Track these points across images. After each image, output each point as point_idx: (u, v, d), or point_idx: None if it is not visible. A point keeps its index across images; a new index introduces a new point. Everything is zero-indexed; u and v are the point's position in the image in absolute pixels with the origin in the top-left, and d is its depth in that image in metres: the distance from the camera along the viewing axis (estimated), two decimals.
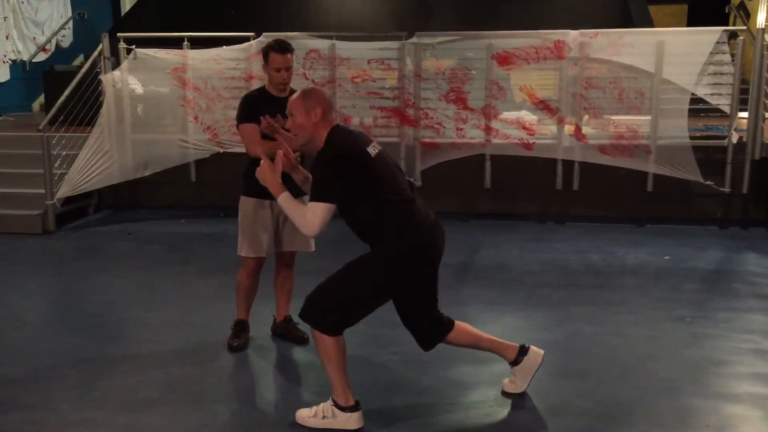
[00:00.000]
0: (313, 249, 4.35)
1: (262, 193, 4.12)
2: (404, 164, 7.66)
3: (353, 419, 3.27)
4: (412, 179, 7.56)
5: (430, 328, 3.50)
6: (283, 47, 4.05)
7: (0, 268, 6.10)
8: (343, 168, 3.14)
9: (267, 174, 3.28)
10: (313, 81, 7.67)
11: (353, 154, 3.17)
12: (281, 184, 3.27)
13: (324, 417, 3.29)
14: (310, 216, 3.15)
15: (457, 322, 3.53)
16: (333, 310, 3.21)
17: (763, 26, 7.48)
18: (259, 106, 3.98)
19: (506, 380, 3.67)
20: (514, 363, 3.58)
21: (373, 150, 3.24)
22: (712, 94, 7.24)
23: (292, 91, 4.19)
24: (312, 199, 3.16)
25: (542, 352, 3.59)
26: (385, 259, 3.20)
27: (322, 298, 3.24)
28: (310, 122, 3.24)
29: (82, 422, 3.40)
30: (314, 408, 3.33)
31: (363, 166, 3.16)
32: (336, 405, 3.28)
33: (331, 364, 3.23)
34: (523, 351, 3.58)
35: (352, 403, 3.28)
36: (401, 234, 3.18)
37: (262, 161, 3.32)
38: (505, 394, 3.63)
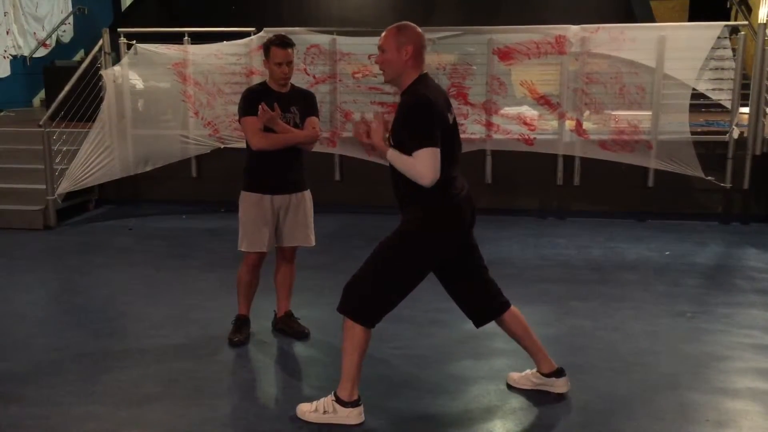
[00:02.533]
0: (314, 244, 4.36)
1: (262, 188, 4.15)
2: None
3: (354, 414, 3.27)
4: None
5: (486, 301, 3.46)
6: (284, 42, 4.05)
7: (1, 264, 6.10)
8: (430, 114, 3.05)
9: (375, 134, 3.19)
10: (314, 76, 7.66)
11: (436, 108, 3.09)
12: (386, 140, 3.18)
13: (325, 412, 3.28)
14: (420, 167, 3.03)
15: (513, 308, 3.51)
16: (370, 299, 3.18)
17: (765, 21, 7.48)
18: (260, 101, 3.98)
19: (516, 375, 3.66)
20: (544, 374, 3.56)
21: (450, 117, 3.20)
22: (713, 90, 7.23)
23: (293, 87, 4.21)
24: (416, 148, 3.03)
25: (568, 388, 3.54)
26: (413, 229, 3.16)
27: (358, 288, 3.20)
28: (400, 60, 3.14)
29: (83, 416, 3.40)
30: (315, 403, 3.33)
31: (443, 123, 3.10)
32: (338, 400, 3.27)
33: (353, 355, 3.21)
34: (558, 373, 3.55)
35: (355, 398, 3.28)
36: (435, 197, 3.12)
37: (373, 124, 3.21)
38: (509, 387, 3.64)
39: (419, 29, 3.21)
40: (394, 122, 3.17)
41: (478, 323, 3.53)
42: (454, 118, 3.26)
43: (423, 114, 3.06)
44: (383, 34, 3.20)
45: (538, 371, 3.58)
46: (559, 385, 3.54)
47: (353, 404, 3.27)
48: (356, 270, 3.24)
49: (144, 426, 3.34)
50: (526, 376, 3.63)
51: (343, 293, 3.25)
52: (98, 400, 3.56)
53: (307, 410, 3.33)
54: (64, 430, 3.31)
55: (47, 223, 7.29)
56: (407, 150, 3.07)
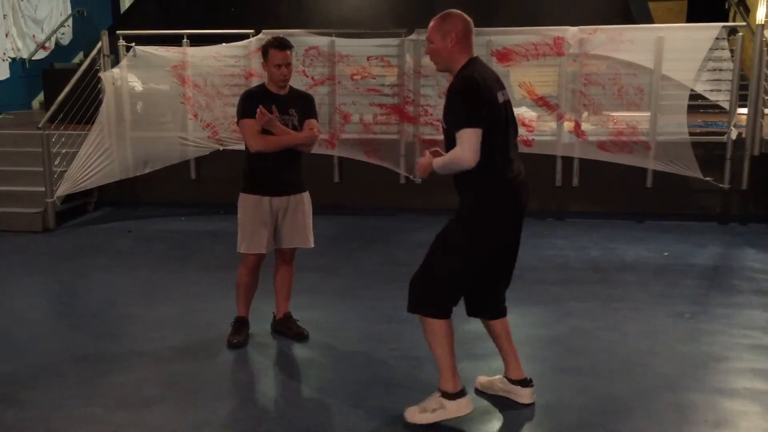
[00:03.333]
0: (313, 245, 4.36)
1: (261, 190, 4.15)
2: (404, 161, 7.67)
3: (463, 404, 3.25)
4: (412, 176, 7.67)
5: (492, 301, 3.48)
6: (282, 44, 4.06)
7: (0, 266, 6.10)
8: (478, 96, 3.06)
9: (425, 166, 3.25)
10: (312, 78, 7.67)
11: (486, 89, 3.10)
12: (433, 158, 3.23)
13: (434, 410, 3.25)
14: (459, 149, 3.04)
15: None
16: (438, 294, 3.18)
17: (763, 22, 7.47)
18: (259, 103, 3.99)
19: (484, 378, 3.65)
20: (510, 381, 3.55)
21: (501, 96, 3.19)
22: (711, 90, 7.24)
23: (292, 89, 4.22)
24: (458, 128, 3.05)
25: (532, 400, 3.50)
26: (469, 217, 3.17)
27: (423, 286, 3.20)
28: (446, 47, 3.19)
29: (83, 419, 3.41)
30: (421, 404, 3.28)
31: (491, 106, 3.10)
32: (444, 394, 3.24)
33: (442, 348, 3.20)
34: (524, 383, 3.52)
35: (460, 388, 3.26)
36: (495, 185, 3.15)
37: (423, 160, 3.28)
38: (476, 391, 3.61)
39: (464, 15, 3.25)
40: (444, 107, 3.20)
41: (472, 313, 3.53)
42: (507, 100, 3.25)
43: (467, 95, 3.08)
44: (430, 25, 3.25)
45: (505, 376, 3.57)
46: (523, 395, 3.51)
47: (459, 395, 3.25)
48: (417, 267, 3.24)
49: (143, 428, 3.34)
50: (493, 381, 3.62)
51: (410, 292, 3.25)
52: (98, 403, 3.56)
53: (415, 412, 3.28)
54: None
55: (46, 225, 7.29)
56: (453, 130, 3.08)
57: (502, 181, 3.18)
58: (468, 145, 3.03)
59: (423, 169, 3.30)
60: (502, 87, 3.25)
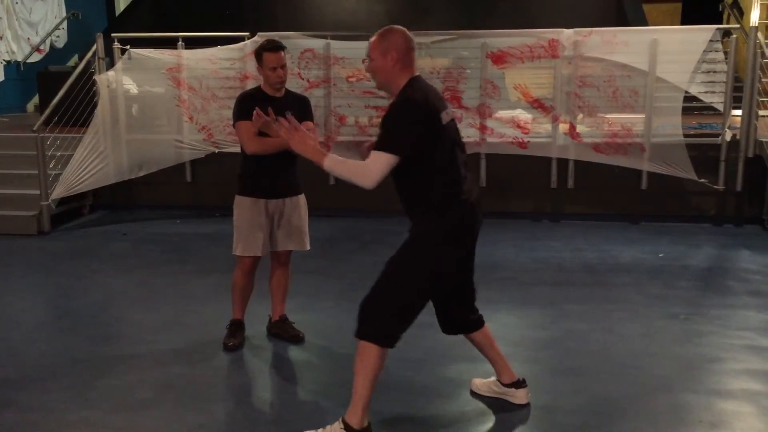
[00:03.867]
0: (308, 248, 4.36)
1: (257, 193, 4.15)
2: None
3: None
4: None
5: (464, 315, 3.42)
6: (274, 46, 4.06)
7: None
8: (414, 124, 2.95)
9: (306, 141, 3.05)
10: (308, 80, 7.67)
11: (427, 113, 2.98)
12: (320, 148, 3.06)
13: None
14: (371, 165, 2.93)
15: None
16: (389, 320, 3.04)
17: (756, 24, 7.51)
18: (255, 105, 3.98)
19: (479, 381, 3.64)
20: (504, 384, 3.54)
21: (445, 116, 3.06)
22: (705, 92, 7.27)
23: (288, 91, 4.22)
24: (376, 148, 2.94)
25: (528, 400, 3.50)
26: (422, 243, 3.06)
27: (374, 311, 3.05)
28: (386, 65, 3.05)
29: (78, 422, 3.40)
30: (321, 430, 3.15)
31: (432, 129, 2.98)
32: (347, 427, 3.08)
33: (366, 378, 3.05)
34: (518, 384, 3.51)
35: (365, 425, 3.11)
36: (443, 209, 3.04)
37: (295, 134, 3.09)
38: (472, 393, 3.62)
39: (405, 32, 3.11)
40: (382, 123, 3.07)
41: (448, 331, 3.48)
42: (452, 119, 3.16)
43: (401, 120, 2.97)
44: (370, 41, 3.12)
45: (498, 380, 3.56)
46: (518, 396, 3.50)
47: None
48: (368, 290, 3.11)
49: (139, 431, 3.34)
50: (488, 383, 3.60)
51: (359, 316, 3.08)
52: (93, 406, 3.55)
53: None
54: None
55: (41, 228, 7.28)
56: (375, 146, 2.96)
57: (451, 203, 3.06)
58: (377, 168, 2.92)
59: (299, 146, 3.05)
60: (446, 106, 3.13)
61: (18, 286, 5.63)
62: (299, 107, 4.18)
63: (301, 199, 4.30)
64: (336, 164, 3.01)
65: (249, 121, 3.98)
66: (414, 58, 3.12)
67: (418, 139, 2.96)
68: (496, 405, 3.54)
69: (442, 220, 3.06)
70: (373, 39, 3.10)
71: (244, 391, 3.82)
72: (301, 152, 3.08)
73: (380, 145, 2.95)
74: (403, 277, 3.08)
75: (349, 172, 2.98)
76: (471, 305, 3.44)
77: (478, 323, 3.46)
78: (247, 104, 4.05)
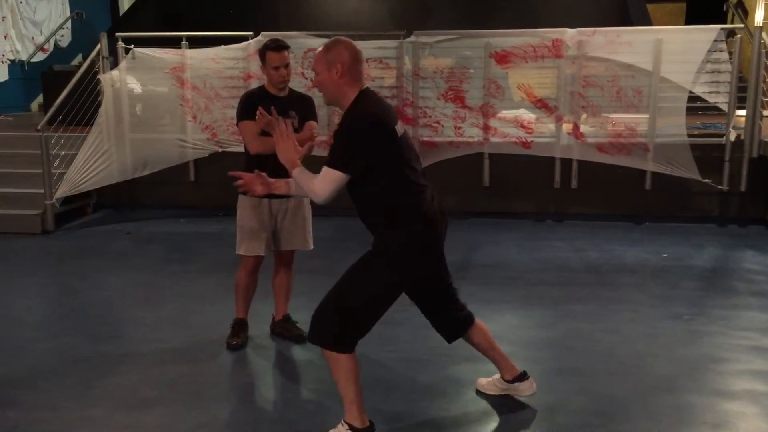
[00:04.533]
0: (312, 248, 4.36)
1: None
2: None
3: None
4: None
5: (452, 317, 3.39)
6: (278, 45, 4.06)
7: None
8: (366, 140, 2.90)
9: (290, 150, 3.07)
10: (311, 80, 7.65)
11: (380, 128, 2.93)
12: (297, 161, 3.06)
13: None
14: (320, 181, 2.93)
15: (478, 321, 3.45)
16: (342, 325, 2.99)
17: (761, 24, 7.50)
18: (258, 105, 3.98)
19: (484, 380, 3.64)
20: (507, 381, 3.54)
21: (400, 128, 3.01)
22: (709, 92, 7.25)
23: (291, 91, 4.22)
24: (327, 164, 2.92)
25: (535, 389, 3.50)
26: (386, 254, 3.01)
27: (328, 316, 3.01)
28: (332, 79, 2.96)
29: (81, 421, 3.40)
30: None
31: (387, 143, 2.93)
32: (351, 427, 3.07)
33: (348, 383, 3.04)
34: (521, 377, 3.50)
35: (367, 424, 3.09)
36: (405, 220, 2.98)
37: (280, 140, 3.10)
38: (477, 392, 3.63)
39: (351, 44, 3.03)
40: (334, 139, 3.01)
41: (450, 339, 3.47)
42: (405, 132, 3.11)
43: (354, 137, 2.92)
44: (315, 53, 3.06)
45: (501, 378, 3.55)
46: (523, 389, 3.51)
47: (367, 430, 3.09)
48: (323, 298, 3.08)
49: (142, 430, 3.34)
50: (493, 381, 3.61)
51: (313, 321, 3.05)
52: (96, 404, 3.56)
53: None
54: None
55: (45, 227, 7.29)
56: (327, 162, 2.94)
57: (414, 215, 2.99)
58: (327, 185, 2.92)
59: (283, 153, 3.07)
60: (397, 120, 3.06)
61: (22, 285, 5.64)
62: (303, 107, 4.19)
63: (305, 199, 4.30)
64: (298, 176, 3.05)
65: (252, 121, 3.99)
66: (362, 71, 3.05)
67: (371, 154, 2.92)
68: (500, 405, 3.53)
69: (404, 233, 3.00)
70: (318, 51, 3.03)
71: (247, 390, 3.83)
72: (281, 157, 3.11)
73: (331, 162, 2.93)
74: (363, 284, 3.02)
75: (304, 184, 3.02)
76: (454, 303, 3.40)
77: (469, 318, 3.43)
78: (250, 104, 4.05)
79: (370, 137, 2.92)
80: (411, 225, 3.00)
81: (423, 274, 3.16)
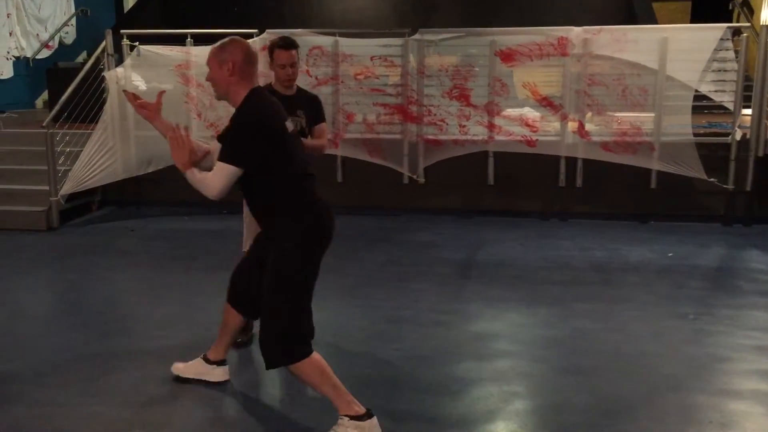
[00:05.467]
0: None
1: None
2: (407, 161, 7.67)
3: (374, 423, 3.12)
4: (415, 176, 7.68)
5: (252, 298, 3.42)
6: (287, 43, 4.05)
7: (4, 265, 6.11)
8: (257, 136, 2.99)
9: (184, 154, 3.10)
10: (316, 78, 7.67)
11: (270, 125, 3.04)
12: (189, 163, 3.10)
13: None
14: (213, 177, 3.01)
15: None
16: (285, 339, 3.08)
17: (767, 23, 7.46)
18: None
19: (181, 364, 3.79)
20: (209, 361, 3.72)
21: (290, 125, 3.14)
22: (715, 91, 7.22)
23: (299, 89, 4.21)
24: (220, 159, 3.01)
25: (227, 377, 3.73)
26: (290, 239, 3.09)
27: (269, 338, 3.11)
28: (223, 76, 3.08)
29: (87, 417, 3.41)
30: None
31: (277, 139, 3.04)
32: (352, 417, 3.08)
33: (323, 382, 3.10)
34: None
35: (364, 410, 3.11)
36: (300, 213, 3.10)
37: (174, 134, 3.17)
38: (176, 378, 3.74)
39: (245, 44, 3.13)
40: (225, 137, 3.09)
41: (253, 317, 3.62)
42: (294, 128, 3.21)
43: (246, 135, 3.01)
44: (210, 50, 3.13)
45: (205, 357, 3.73)
46: (216, 374, 3.69)
47: (367, 415, 3.10)
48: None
49: (148, 427, 3.34)
50: (193, 364, 3.75)
51: (262, 348, 3.14)
52: (102, 401, 3.57)
53: None
54: (67, 430, 3.31)
55: (50, 224, 7.30)
56: (219, 157, 3.01)
57: (307, 208, 3.12)
58: (220, 180, 2.99)
59: (178, 155, 3.13)
60: (286, 117, 3.17)
61: (27, 282, 5.65)
62: (311, 106, 4.18)
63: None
64: (191, 176, 3.10)
65: None
66: (254, 72, 3.14)
67: (261, 150, 3.00)
68: (504, 403, 3.53)
69: (299, 226, 3.10)
70: (212, 48, 3.14)
71: (252, 388, 3.83)
72: (174, 160, 3.16)
73: (224, 157, 3.00)
74: (284, 286, 3.11)
75: (198, 182, 3.07)
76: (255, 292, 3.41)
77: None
78: None
79: (258, 133, 3.00)
80: (305, 217, 3.12)
81: (316, 261, 3.21)
